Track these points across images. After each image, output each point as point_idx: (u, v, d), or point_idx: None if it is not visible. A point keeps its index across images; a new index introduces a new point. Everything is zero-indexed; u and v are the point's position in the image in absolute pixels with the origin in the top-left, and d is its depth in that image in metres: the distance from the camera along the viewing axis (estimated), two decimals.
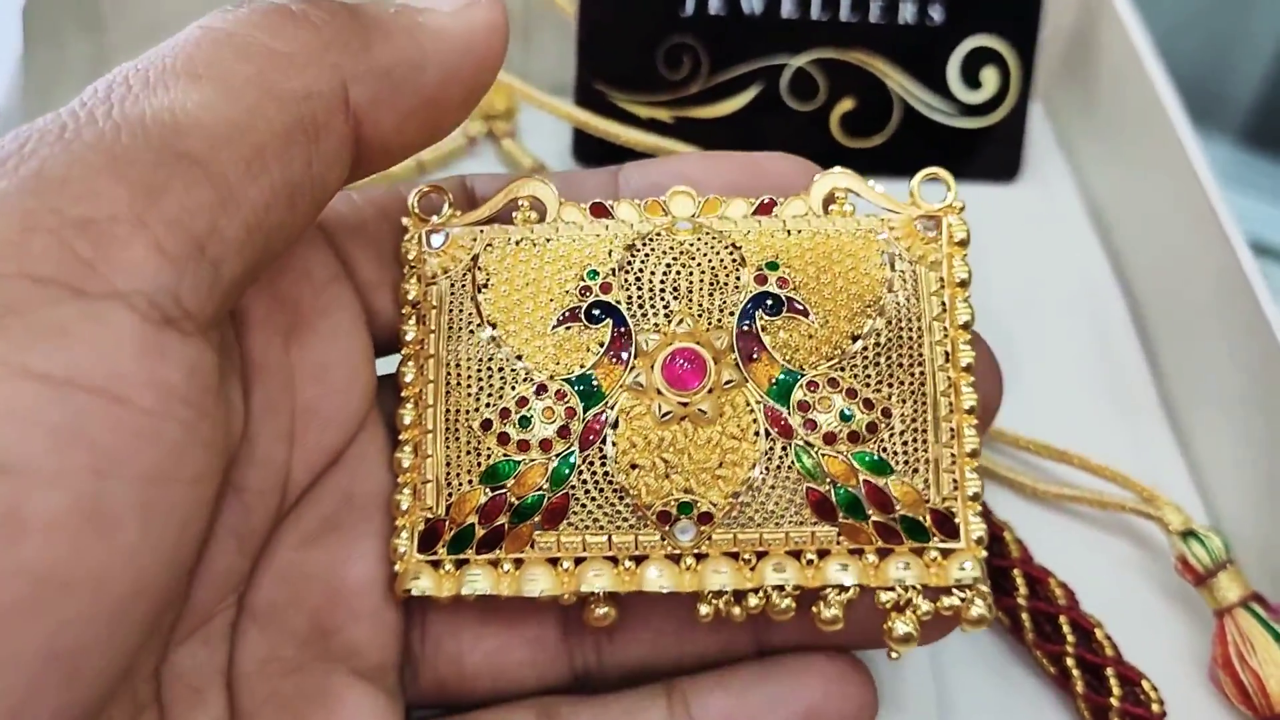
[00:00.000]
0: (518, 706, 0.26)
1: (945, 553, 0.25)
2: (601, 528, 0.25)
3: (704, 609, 0.25)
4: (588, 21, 0.40)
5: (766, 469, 0.25)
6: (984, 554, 0.25)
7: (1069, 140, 0.44)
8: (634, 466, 0.25)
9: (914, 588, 0.25)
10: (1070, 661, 0.31)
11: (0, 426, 0.17)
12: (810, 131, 0.41)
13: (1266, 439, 0.33)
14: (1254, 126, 0.63)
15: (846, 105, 0.41)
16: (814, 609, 0.25)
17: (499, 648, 0.26)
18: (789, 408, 0.25)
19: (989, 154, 0.42)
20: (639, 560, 0.25)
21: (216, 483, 0.21)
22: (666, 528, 0.25)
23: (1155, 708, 0.30)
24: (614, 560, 0.25)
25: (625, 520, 0.25)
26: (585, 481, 0.25)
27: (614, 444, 0.25)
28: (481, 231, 0.27)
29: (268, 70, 0.21)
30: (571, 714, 0.26)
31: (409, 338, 0.26)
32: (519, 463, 0.25)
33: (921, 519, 0.25)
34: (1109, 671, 0.30)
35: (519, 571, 0.25)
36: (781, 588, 0.25)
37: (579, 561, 0.25)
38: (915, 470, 0.25)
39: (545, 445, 0.25)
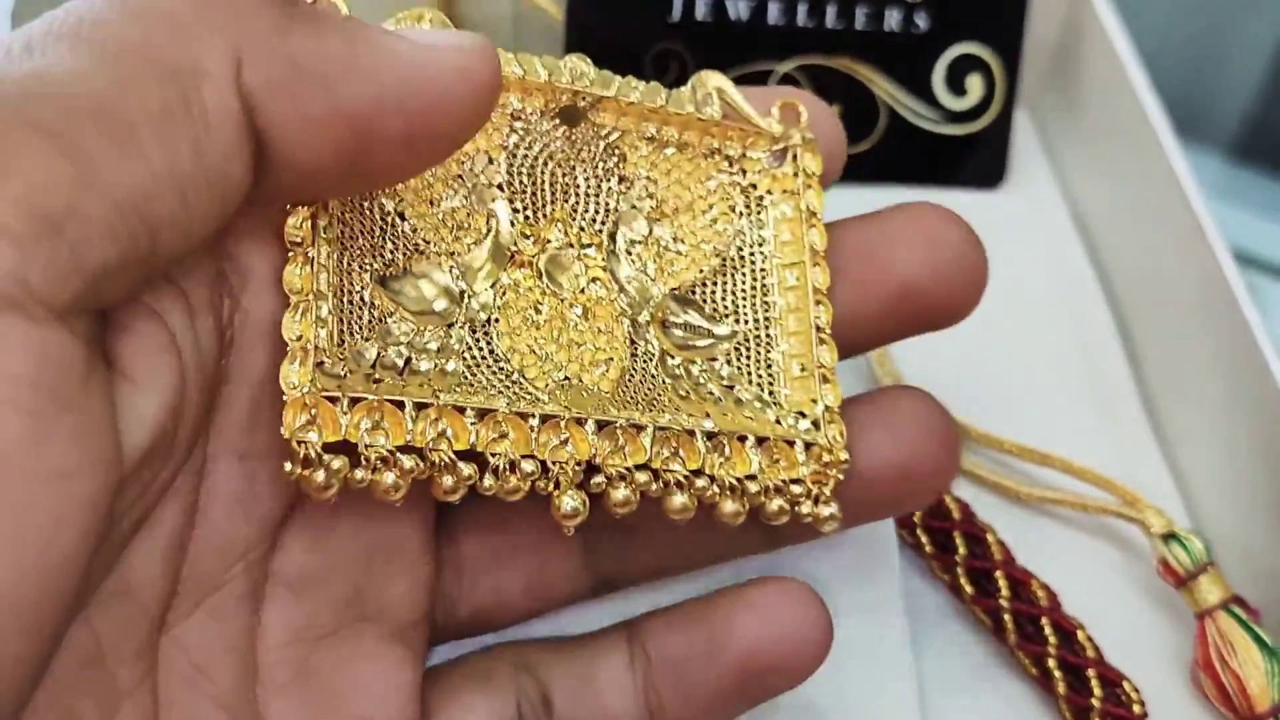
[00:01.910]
0: (496, 657, 0.26)
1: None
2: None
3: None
4: (576, 27, 0.40)
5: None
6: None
7: (1053, 148, 0.44)
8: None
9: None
10: (1052, 663, 0.31)
11: None
12: None
13: (1248, 443, 0.33)
14: (1242, 140, 0.63)
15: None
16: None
17: (536, 569, 0.26)
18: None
19: (974, 161, 0.42)
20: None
21: (100, 481, 0.19)
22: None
23: (1136, 709, 0.30)
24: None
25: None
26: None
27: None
28: None
29: (153, 36, 0.19)
30: (541, 663, 0.26)
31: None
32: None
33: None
34: (1090, 673, 0.30)
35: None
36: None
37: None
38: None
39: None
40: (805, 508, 0.25)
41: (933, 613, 0.33)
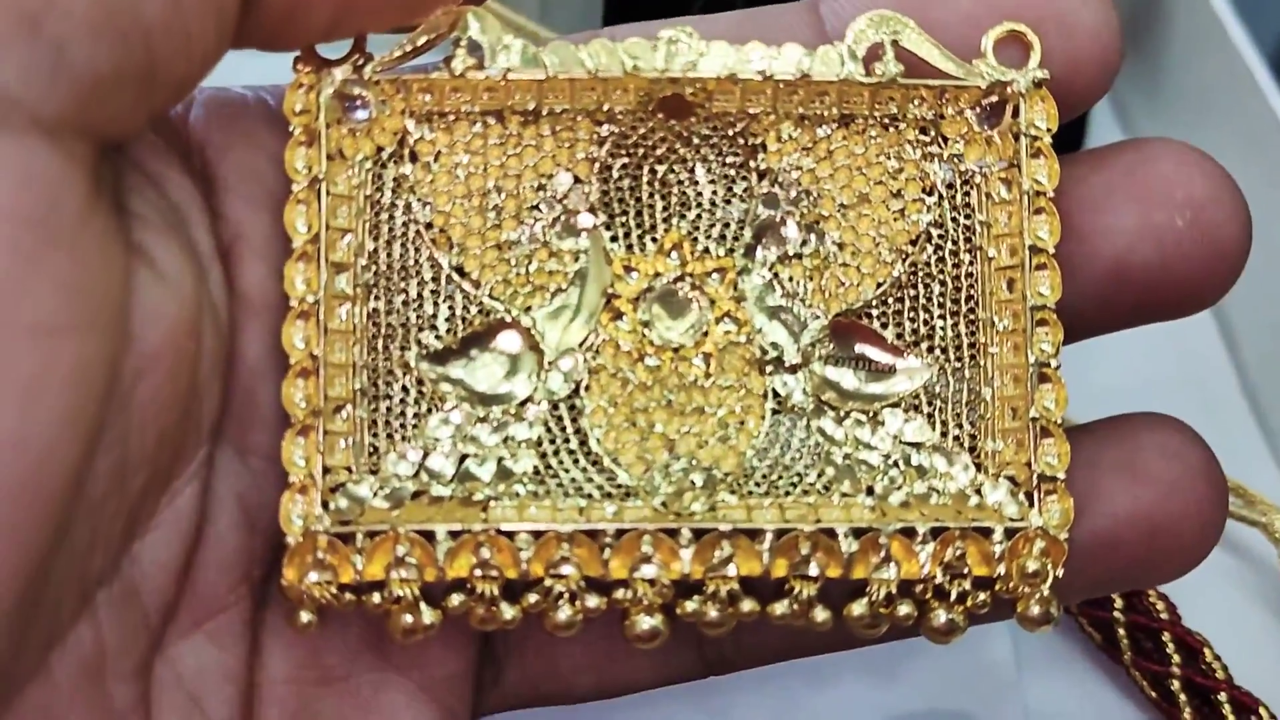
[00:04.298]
0: None
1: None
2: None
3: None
4: None
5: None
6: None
7: (1130, 118, 0.41)
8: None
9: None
10: (1175, 684, 0.28)
11: None
12: None
13: None
14: None
15: None
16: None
17: (604, 643, 0.21)
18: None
19: None
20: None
21: (94, 347, 0.17)
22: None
23: None
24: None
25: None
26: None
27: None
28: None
29: None
30: None
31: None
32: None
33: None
34: (1221, 696, 0.27)
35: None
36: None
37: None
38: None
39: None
40: (981, 598, 0.19)
41: None
